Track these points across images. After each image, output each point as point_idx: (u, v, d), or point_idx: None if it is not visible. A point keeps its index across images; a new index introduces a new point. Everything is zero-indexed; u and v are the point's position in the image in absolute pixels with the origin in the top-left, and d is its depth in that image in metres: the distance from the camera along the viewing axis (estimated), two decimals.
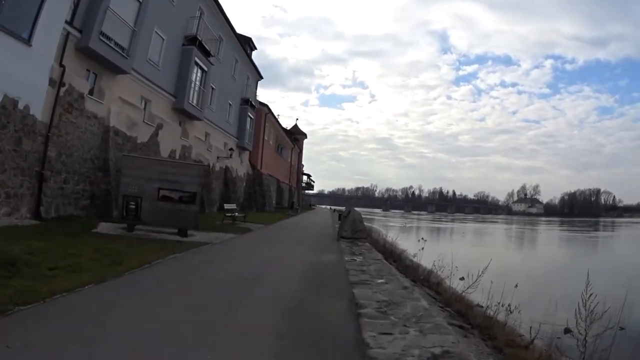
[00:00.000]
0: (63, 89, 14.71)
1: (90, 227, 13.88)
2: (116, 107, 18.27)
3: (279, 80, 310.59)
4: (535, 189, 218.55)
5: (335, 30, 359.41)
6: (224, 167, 35.22)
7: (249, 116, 40.97)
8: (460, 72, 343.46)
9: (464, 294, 10.74)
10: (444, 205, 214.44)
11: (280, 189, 58.64)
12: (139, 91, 20.97)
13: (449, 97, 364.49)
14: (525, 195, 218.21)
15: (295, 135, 72.43)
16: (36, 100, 13.46)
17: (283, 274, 9.28)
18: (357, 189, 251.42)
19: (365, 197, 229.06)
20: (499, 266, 14.88)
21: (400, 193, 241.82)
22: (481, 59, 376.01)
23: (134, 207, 14.34)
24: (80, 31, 15.58)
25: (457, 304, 9.66)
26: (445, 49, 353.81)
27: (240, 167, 40.28)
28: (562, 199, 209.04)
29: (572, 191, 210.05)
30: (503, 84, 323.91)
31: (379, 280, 8.39)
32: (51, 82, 14.13)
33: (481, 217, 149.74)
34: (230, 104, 36.63)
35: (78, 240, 11.08)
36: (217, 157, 33.37)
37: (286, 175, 64.72)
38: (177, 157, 24.73)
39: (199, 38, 25.95)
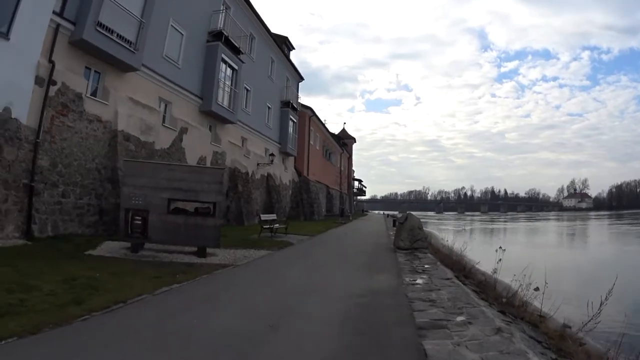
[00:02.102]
0: (54, 88, 13.28)
1: (88, 248, 12.28)
2: (125, 109, 16.78)
3: (323, 87, 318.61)
4: (584, 183, 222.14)
5: (373, 34, 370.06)
6: (266, 174, 33.61)
7: (291, 119, 39.34)
8: (502, 69, 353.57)
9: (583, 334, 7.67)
10: (496, 205, 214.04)
11: (330, 195, 56.65)
12: (155, 91, 19.48)
13: (493, 95, 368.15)
14: (575, 190, 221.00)
15: (344, 140, 70.57)
16: (19, 102, 12.05)
17: (315, 317, 6.45)
18: (410, 192, 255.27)
19: (417, 201, 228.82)
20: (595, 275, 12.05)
21: (452, 195, 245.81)
22: (521, 55, 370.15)
23: (139, 222, 12.43)
24: (73, 23, 14.17)
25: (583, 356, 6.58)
26: (485, 47, 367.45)
27: (284, 174, 38.60)
28: (610, 192, 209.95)
29: (619, 183, 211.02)
30: (544, 79, 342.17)
31: (459, 319, 6.10)
32: (38, 80, 12.72)
33: (534, 215, 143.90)
34: (269, 107, 35.05)
35: (56, 265, 9.48)
36: (257, 164, 31.81)
37: (336, 181, 62.65)
38: (209, 164, 23.18)
39: (225, 33, 24.41)
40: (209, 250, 12.81)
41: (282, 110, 38.04)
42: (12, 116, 11.86)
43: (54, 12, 13.25)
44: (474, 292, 8.87)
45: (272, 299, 7.66)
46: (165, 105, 20.64)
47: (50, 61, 13.21)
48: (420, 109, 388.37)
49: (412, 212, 17.70)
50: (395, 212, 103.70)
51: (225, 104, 25.56)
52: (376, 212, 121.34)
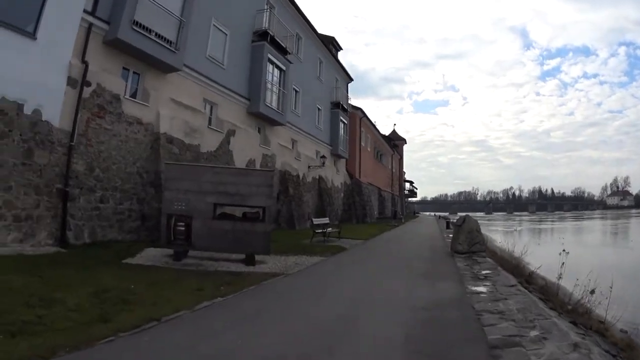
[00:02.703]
0: (89, 90, 12.31)
1: (127, 256, 11.15)
2: (168, 111, 15.72)
3: (371, 89, 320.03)
4: (626, 180, 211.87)
5: (417, 35, 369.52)
6: (317, 177, 32.18)
7: (342, 121, 37.71)
8: (545, 67, 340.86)
9: None
10: (543, 204, 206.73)
11: (381, 198, 54.32)
12: (200, 92, 18.36)
13: (538, 94, 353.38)
14: (617, 188, 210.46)
15: (394, 141, 68.11)
16: (50, 104, 11.12)
17: (375, 336, 5.44)
18: (459, 193, 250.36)
19: (467, 202, 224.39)
20: None
21: (501, 195, 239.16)
22: (562, 52, 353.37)
23: (182, 228, 11.18)
24: (107, 22, 13.18)
25: None
26: (527, 44, 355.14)
27: (336, 176, 37.03)
28: None
29: None
30: (585, 75, 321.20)
31: (532, 333, 5.28)
32: (70, 81, 11.76)
33: (579, 214, 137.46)
34: (319, 108, 33.61)
35: (88, 275, 8.37)
36: (308, 167, 30.40)
37: (387, 183, 60.16)
38: (258, 167, 21.91)
39: (271, 33, 23.14)
40: (258, 257, 11.53)
41: (332, 111, 36.46)
42: (43, 119, 10.93)
43: (85, 11, 12.30)
44: (541, 300, 8.08)
45: (326, 314, 6.53)
46: (211, 107, 19.52)
47: (84, 61, 12.25)
48: (467, 109, 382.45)
49: (460, 214, 16.04)
50: (446, 214, 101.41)
51: (274, 105, 24.27)
52: (427, 213, 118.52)
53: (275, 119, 24.53)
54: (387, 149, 60.54)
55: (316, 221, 20.24)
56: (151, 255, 11.54)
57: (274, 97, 24.42)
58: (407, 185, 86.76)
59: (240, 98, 21.56)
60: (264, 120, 24.01)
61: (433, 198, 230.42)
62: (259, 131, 23.70)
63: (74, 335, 4.95)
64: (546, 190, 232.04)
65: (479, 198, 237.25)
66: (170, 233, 11.27)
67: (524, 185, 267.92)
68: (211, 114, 19.50)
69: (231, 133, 20.14)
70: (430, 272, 10.75)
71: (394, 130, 73.63)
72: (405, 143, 78.02)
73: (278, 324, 5.92)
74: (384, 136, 59.59)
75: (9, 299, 6.15)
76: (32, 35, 10.65)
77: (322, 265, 11.95)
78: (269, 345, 4.99)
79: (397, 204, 65.32)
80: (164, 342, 5.02)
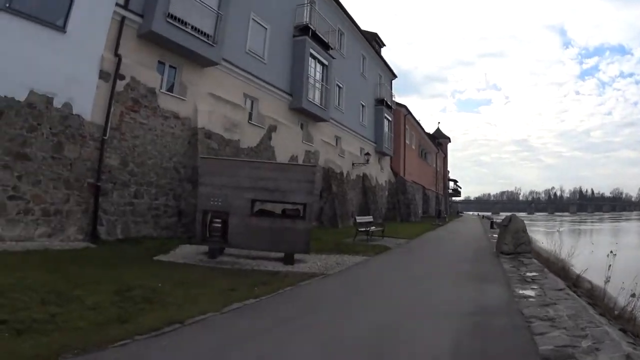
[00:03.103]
0: (122, 83, 11.71)
1: (159, 252, 10.48)
2: (206, 105, 14.98)
3: (414, 88, 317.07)
4: None
5: (457, 33, 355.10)
6: (361, 174, 31.04)
7: (386, 118, 36.15)
8: (584, 66, 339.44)
9: None
10: (584, 205, 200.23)
11: (426, 196, 52.23)
12: (239, 87, 17.59)
13: (577, 93, 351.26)
14: None
15: (439, 140, 65.72)
16: (81, 97, 10.59)
17: (421, 347, 4.74)
18: (502, 193, 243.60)
19: (510, 201, 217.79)
20: None
21: (542, 195, 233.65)
22: (599, 51, 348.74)
23: (219, 225, 10.42)
24: (141, 15, 12.56)
25: None
26: (566, 43, 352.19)
27: (380, 174, 35.69)
28: None
29: None
30: (622, 75, 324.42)
31: (585, 343, 4.73)
32: (103, 74, 11.19)
33: (618, 216, 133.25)
34: (362, 105, 32.32)
35: (114, 272, 7.73)
36: (352, 164, 29.30)
37: (431, 182, 57.93)
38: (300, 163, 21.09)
39: (312, 27, 22.17)
40: (297, 256, 10.61)
41: (376, 108, 35.00)
42: (74, 112, 10.41)
43: (117, 5, 11.73)
44: (589, 305, 7.54)
45: (366, 320, 5.79)
46: (252, 102, 18.70)
47: (117, 55, 11.66)
48: (509, 108, 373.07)
49: (503, 213, 14.88)
50: (489, 213, 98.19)
51: (317, 101, 23.22)
52: (470, 213, 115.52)
53: (319, 115, 23.51)
54: (432, 147, 58.47)
55: (360, 219, 19.12)
56: (185, 253, 10.85)
57: (317, 93, 23.37)
58: (451, 184, 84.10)
59: (281, 93, 20.68)
60: (306, 116, 23.05)
61: (476, 197, 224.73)
62: (301, 127, 22.79)
63: (86, 336, 4.43)
64: (586, 191, 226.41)
65: (521, 198, 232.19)
66: (206, 230, 10.50)
67: (565, 185, 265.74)
68: (252, 109, 18.68)
69: (272, 129, 19.34)
70: (476, 274, 9.93)
71: (438, 129, 71.34)
72: (450, 141, 75.37)
73: (313, 332, 5.19)
74: (428, 134, 57.48)
75: (24, 295, 5.62)
76: (62, 29, 10.21)
77: (364, 266, 11.05)
78: (301, 356, 4.35)
79: (441, 203, 63.04)
80: (183, 349, 4.40)
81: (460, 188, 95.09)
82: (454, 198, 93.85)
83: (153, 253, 10.34)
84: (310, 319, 5.79)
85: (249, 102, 18.55)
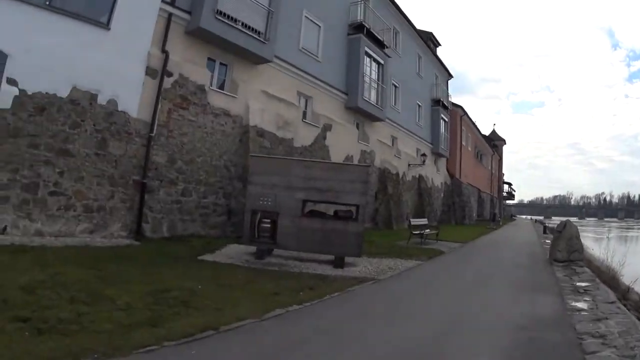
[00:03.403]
0: (170, 80, 11.24)
1: (205, 252, 9.92)
2: (258, 103, 14.33)
3: (468, 89, 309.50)
4: None
5: (508, 33, 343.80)
6: (417, 176, 29.66)
7: (442, 118, 34.40)
8: (631, 68, 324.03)
9: None
10: (631, 210, 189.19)
11: (480, 199, 49.63)
12: (293, 85, 16.86)
13: (626, 96, 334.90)
14: None
15: (494, 141, 62.62)
16: (127, 94, 10.19)
17: None
18: (554, 197, 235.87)
19: (562, 206, 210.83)
20: None
21: (593, 200, 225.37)
22: None
23: (268, 226, 9.82)
24: (188, 12, 12.07)
25: None
26: (614, 45, 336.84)
27: (436, 175, 34.03)
28: None
29: None
30: None
31: None
32: (149, 71, 10.77)
33: None
34: (419, 105, 30.82)
35: (153, 271, 7.19)
36: (408, 165, 27.97)
37: (487, 185, 54.95)
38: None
39: (366, 25, 21.15)
40: (348, 259, 9.86)
41: (432, 108, 33.33)
42: (119, 109, 10.01)
43: (163, 1, 11.31)
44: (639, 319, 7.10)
45: (415, 332, 5.33)
46: (306, 100, 17.94)
47: (164, 51, 11.21)
48: (562, 111, 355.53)
49: (554, 218, 13.55)
50: (541, 217, 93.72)
51: (373, 100, 22.15)
52: (523, 217, 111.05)
53: (374, 115, 22.41)
54: (487, 149, 55.66)
55: (414, 222, 17.90)
56: (232, 253, 10.26)
57: (373, 92, 22.30)
58: (506, 187, 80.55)
59: (336, 92, 19.78)
60: (362, 116, 22.02)
61: (529, 201, 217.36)
62: (357, 127, 21.78)
63: (111, 339, 4.06)
64: (634, 197, 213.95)
65: (572, 203, 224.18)
66: (255, 230, 9.84)
67: (615, 190, 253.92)
68: (306, 107, 17.91)
69: (327, 128, 18.49)
70: (529, 283, 9.38)
71: (493, 130, 67.90)
72: (505, 144, 71.68)
73: (358, 344, 4.69)
74: (484, 136, 54.80)
75: (53, 292, 5.27)
76: (106, 26, 9.85)
77: (417, 271, 10.34)
78: None
79: (495, 206, 60.03)
80: (211, 358, 4.03)
81: (514, 191, 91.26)
82: (507, 201, 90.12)
83: (198, 252, 9.81)
84: (352, 331, 5.18)
85: (302, 100, 17.81)
